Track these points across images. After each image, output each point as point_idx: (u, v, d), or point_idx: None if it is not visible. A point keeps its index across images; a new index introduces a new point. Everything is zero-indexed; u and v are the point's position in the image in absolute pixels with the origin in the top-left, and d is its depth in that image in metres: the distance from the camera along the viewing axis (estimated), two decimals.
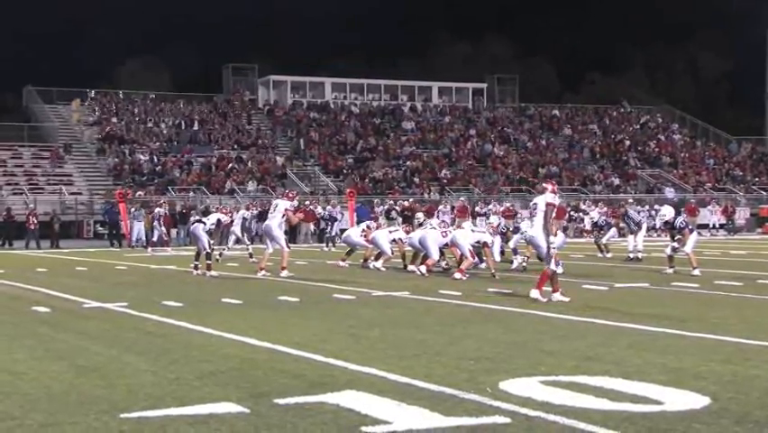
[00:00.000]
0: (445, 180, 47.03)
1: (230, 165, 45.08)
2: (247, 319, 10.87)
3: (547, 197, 12.94)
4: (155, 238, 31.07)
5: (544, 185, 13.67)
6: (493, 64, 67.26)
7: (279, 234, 18.20)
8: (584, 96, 67.85)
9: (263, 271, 17.90)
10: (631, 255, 21.95)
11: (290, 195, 19.24)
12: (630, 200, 31.93)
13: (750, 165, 54.88)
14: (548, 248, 12.65)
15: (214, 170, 44.81)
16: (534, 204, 13.17)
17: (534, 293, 12.53)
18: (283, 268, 17.81)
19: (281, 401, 6.14)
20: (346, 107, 55.43)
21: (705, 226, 41.89)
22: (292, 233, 36.72)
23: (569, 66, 74.22)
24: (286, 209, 18.17)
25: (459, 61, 73.74)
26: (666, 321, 10.24)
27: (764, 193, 48.80)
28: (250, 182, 43.40)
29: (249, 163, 45.81)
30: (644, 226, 23.61)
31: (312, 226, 37.05)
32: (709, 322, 10.28)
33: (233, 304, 12.64)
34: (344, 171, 46.88)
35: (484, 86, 60.37)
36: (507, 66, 66.39)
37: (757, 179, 52.22)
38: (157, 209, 32.14)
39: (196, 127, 49.81)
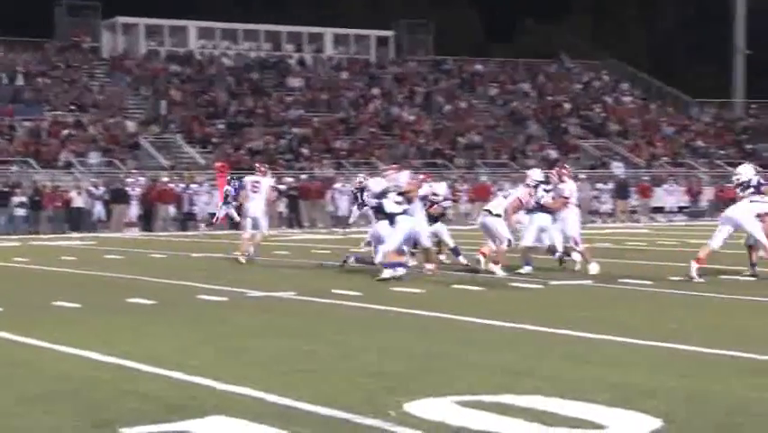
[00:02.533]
0: (342, 152, 47.05)
1: (66, 132, 44.26)
2: (87, 328, 10.74)
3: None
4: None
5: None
6: (402, 6, 67.48)
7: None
8: (514, 49, 68.53)
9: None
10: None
11: (262, 169, 21.71)
12: (583, 176, 32.54)
13: (713, 134, 56.32)
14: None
15: (45, 137, 43.93)
16: None
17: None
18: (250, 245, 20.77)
19: (129, 431, 6.08)
20: (216, 59, 54.91)
21: (660, 210, 42.91)
22: (147, 217, 36.38)
23: (496, 10, 74.91)
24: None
25: (359, 2, 73.76)
26: (611, 327, 10.45)
27: (731, 169, 50.06)
28: (92, 153, 42.72)
29: (90, 129, 45.07)
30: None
31: (172, 209, 36.73)
32: (662, 328, 10.52)
33: (68, 308, 12.47)
34: (213, 141, 46.51)
35: (390, 33, 60.53)
36: (419, 9, 66.67)
37: (722, 151, 53.57)
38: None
39: (20, 82, 48.72)
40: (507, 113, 55.27)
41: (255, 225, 20.92)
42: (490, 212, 17.10)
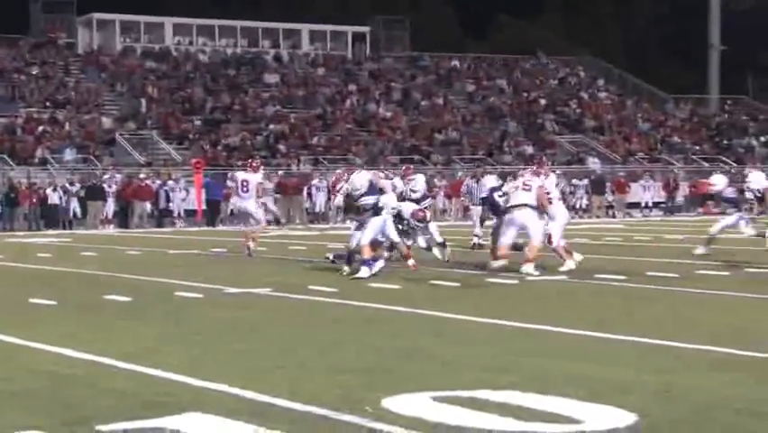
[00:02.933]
0: (319, 148, 47.01)
1: (41, 128, 44.07)
2: (63, 325, 10.71)
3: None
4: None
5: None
6: (378, 2, 67.44)
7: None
8: (491, 45, 68.69)
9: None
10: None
11: (254, 165, 21.86)
12: (559, 172, 32.73)
13: (689, 130, 56.55)
14: None
15: (21, 133, 43.74)
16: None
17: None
18: (254, 239, 21.02)
19: (105, 428, 6.06)
20: (192, 55, 54.76)
21: (636, 205, 43.08)
22: (123, 214, 36.28)
23: (472, 6, 75.00)
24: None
25: None
26: (586, 322, 10.49)
27: (706, 165, 50.38)
28: (68, 150, 42.55)
29: (66, 126, 44.88)
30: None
31: (149, 206, 36.64)
32: (639, 323, 10.58)
33: (44, 305, 12.43)
34: (190, 137, 46.40)
35: (367, 30, 60.49)
36: (395, 5, 66.69)
37: (698, 147, 53.82)
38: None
39: None
40: (483, 109, 55.33)
41: (254, 221, 21.48)
42: (527, 205, 16.06)
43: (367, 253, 15.75)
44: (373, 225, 16.05)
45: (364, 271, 15.48)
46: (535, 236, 16.01)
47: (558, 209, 17.19)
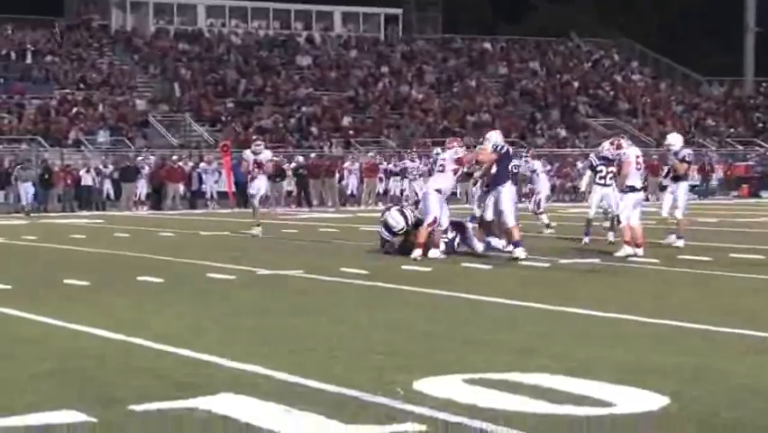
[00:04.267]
0: (351, 131, 47.02)
1: (75, 109, 44.31)
2: (96, 305, 10.77)
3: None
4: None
5: None
6: None
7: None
8: (523, 27, 68.39)
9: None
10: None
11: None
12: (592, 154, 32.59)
13: (724, 112, 56.16)
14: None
15: (55, 115, 44.00)
16: None
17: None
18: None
19: (138, 408, 6.10)
20: (225, 37, 54.87)
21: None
22: (157, 196, 36.44)
23: None
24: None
25: None
26: (619, 305, 10.45)
27: (741, 148, 50.06)
28: (101, 132, 42.77)
29: (100, 107, 45.11)
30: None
31: (182, 188, 36.78)
32: (671, 306, 10.54)
33: (77, 286, 12.51)
34: (223, 119, 46.52)
35: (399, 12, 60.40)
36: None
37: (732, 129, 53.45)
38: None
39: (29, 60, 48.76)
40: (516, 91, 55.17)
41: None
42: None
43: (517, 235, 15.47)
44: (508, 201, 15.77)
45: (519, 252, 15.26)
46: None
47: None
